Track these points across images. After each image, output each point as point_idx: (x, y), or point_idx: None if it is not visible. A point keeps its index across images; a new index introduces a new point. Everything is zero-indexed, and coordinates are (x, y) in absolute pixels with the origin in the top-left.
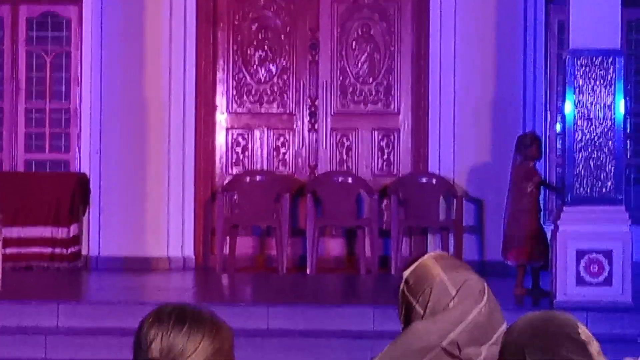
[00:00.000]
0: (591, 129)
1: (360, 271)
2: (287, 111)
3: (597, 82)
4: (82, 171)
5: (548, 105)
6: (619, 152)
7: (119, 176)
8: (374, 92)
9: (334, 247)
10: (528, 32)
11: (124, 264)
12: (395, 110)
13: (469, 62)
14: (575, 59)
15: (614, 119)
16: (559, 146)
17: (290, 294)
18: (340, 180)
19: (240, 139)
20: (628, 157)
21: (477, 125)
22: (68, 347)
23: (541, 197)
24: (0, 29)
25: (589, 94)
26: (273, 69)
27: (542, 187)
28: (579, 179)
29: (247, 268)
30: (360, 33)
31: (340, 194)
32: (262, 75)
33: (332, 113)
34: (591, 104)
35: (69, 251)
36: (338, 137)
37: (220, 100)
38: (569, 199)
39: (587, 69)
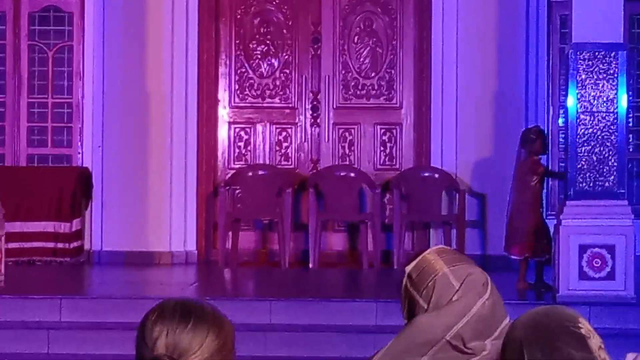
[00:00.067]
0: (594, 123)
1: (362, 266)
2: (290, 105)
3: (600, 76)
4: (84, 165)
5: (550, 100)
6: (621, 147)
7: (121, 170)
8: (376, 87)
9: (337, 241)
10: (530, 26)
11: (127, 259)
12: (398, 104)
13: (471, 56)
14: (578, 53)
15: (617, 113)
16: (561, 140)
17: (292, 288)
18: (342, 174)
19: (242, 133)
20: (630, 151)
21: (479, 119)
22: (71, 341)
23: (543, 192)
24: (2, 23)
25: (592, 88)
26: (275, 63)
27: (544, 182)
28: (581, 174)
29: (249, 262)
30: (362, 27)
31: (342, 188)
32: (264, 69)
33: (335, 107)
34: (594, 98)
35: (72, 246)
36: (340, 132)
37: (223, 95)
38: (572, 194)
39: (590, 63)
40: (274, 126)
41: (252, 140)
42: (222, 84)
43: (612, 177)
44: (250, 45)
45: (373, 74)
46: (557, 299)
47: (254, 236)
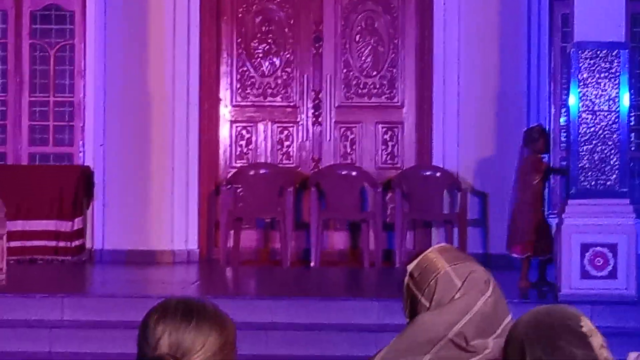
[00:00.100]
0: (596, 122)
1: (364, 264)
2: (291, 104)
3: (602, 75)
4: (85, 164)
5: (552, 98)
6: (623, 145)
7: (122, 169)
8: (377, 85)
9: (338, 240)
10: (532, 25)
11: (128, 257)
12: (399, 103)
13: (472, 55)
14: (580, 52)
15: (619, 111)
16: (563, 139)
17: (294, 287)
18: (344, 173)
19: (244, 131)
20: (632, 149)
21: (481, 118)
22: (72, 340)
23: (545, 191)
24: (4, 22)
25: (594, 86)
26: (277, 61)
27: (546, 181)
28: (583, 172)
29: (251, 261)
30: (364, 26)
31: (344, 187)
32: (266, 68)
33: (336, 106)
34: (596, 96)
35: (73, 244)
36: (342, 130)
37: (224, 93)
38: (574, 192)
39: (592, 62)
40: (276, 125)
41: (253, 139)
42: (224, 82)
43: (614, 175)
44: (252, 44)
45: (375, 73)
46: (559, 298)
47: (256, 235)
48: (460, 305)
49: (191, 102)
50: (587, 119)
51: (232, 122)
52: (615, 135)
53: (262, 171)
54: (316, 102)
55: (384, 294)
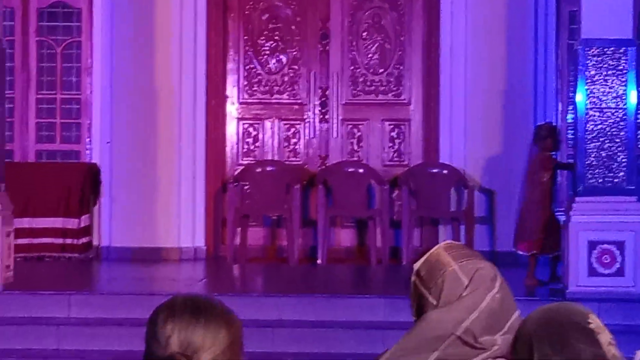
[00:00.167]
0: (603, 119)
1: (371, 262)
2: (298, 101)
3: (609, 72)
4: (92, 161)
5: (559, 96)
6: (631, 143)
7: (129, 166)
8: (384, 83)
9: (345, 237)
10: (539, 22)
11: (135, 255)
12: (406, 100)
13: (480, 52)
14: (587, 49)
15: (626, 109)
16: (570, 136)
17: (300, 284)
18: (351, 170)
19: (251, 129)
20: None
21: (488, 115)
22: (79, 337)
23: (554, 189)
24: (11, 20)
25: (601, 84)
26: (284, 59)
27: (555, 178)
28: (590, 170)
29: (258, 258)
30: (371, 23)
31: (351, 184)
32: (273, 65)
33: (343, 103)
34: (603, 94)
35: (80, 242)
36: (349, 128)
37: (231, 91)
38: (581, 190)
39: (599, 59)
40: (283, 122)
41: (260, 136)
42: (231, 80)
43: (622, 173)
44: (259, 41)
45: (381, 70)
46: (566, 296)
47: (263, 232)
48: (467, 303)
49: (198, 100)
50: (594, 116)
51: (239, 119)
52: (622, 133)
53: (269, 168)
54: (323, 99)
55: (391, 291)
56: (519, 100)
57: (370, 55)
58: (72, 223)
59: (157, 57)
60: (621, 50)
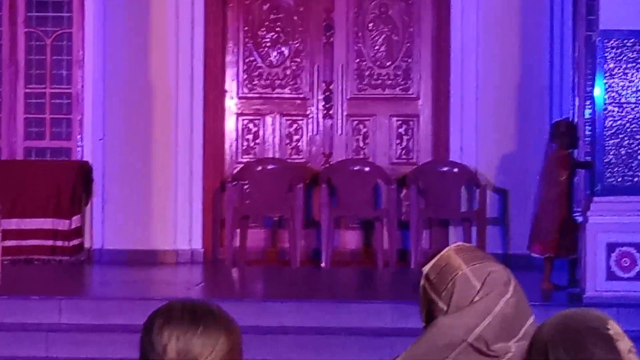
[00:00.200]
0: (622, 114)
1: (377, 265)
2: (301, 96)
3: (629, 65)
4: (84, 159)
5: (576, 90)
6: None
7: (123, 165)
8: (392, 76)
9: (350, 239)
10: (555, 12)
11: (129, 257)
12: (415, 95)
13: (492, 44)
14: (606, 41)
15: None
16: (588, 133)
17: (303, 288)
18: (356, 169)
19: (251, 125)
20: None
21: (501, 111)
22: (70, 344)
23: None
24: None
25: (620, 77)
26: (285, 51)
27: (574, 177)
28: (609, 168)
29: (258, 261)
30: (377, 13)
31: (356, 183)
32: (274, 58)
33: (348, 98)
34: (622, 88)
35: (71, 244)
36: (354, 124)
37: (230, 85)
38: (599, 189)
39: (618, 51)
40: (284, 118)
41: (261, 132)
42: (230, 73)
43: None
44: (260, 33)
45: (389, 63)
46: (583, 301)
47: (263, 234)
48: (479, 308)
49: (195, 94)
50: (613, 111)
51: (238, 115)
52: None
53: (270, 167)
54: (327, 93)
55: (398, 296)
56: (533, 94)
57: (376, 48)
58: (62, 224)
59: (152, 50)
60: None
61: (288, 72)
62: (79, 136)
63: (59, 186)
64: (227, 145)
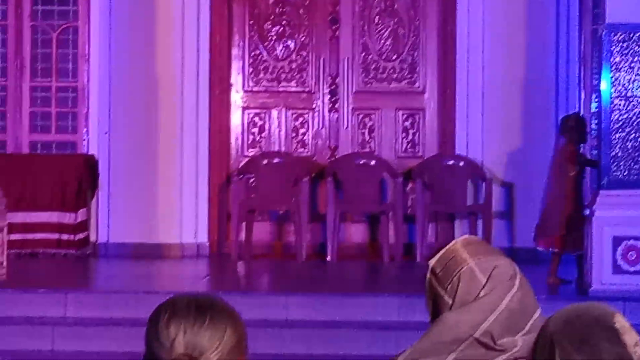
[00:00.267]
0: (629, 108)
1: (383, 259)
2: (306, 90)
3: (635, 59)
4: (90, 153)
5: (582, 84)
6: None
7: (129, 158)
8: (397, 70)
9: (356, 233)
10: (561, 6)
11: (135, 251)
12: (421, 88)
13: (498, 37)
14: (612, 34)
15: None
16: (594, 127)
17: (309, 282)
18: (362, 162)
19: (256, 119)
20: None
21: (507, 105)
22: (76, 338)
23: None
24: (3, 3)
25: (627, 71)
26: (291, 45)
27: (584, 172)
28: (615, 161)
29: (264, 255)
30: (383, 7)
31: (362, 177)
32: (280, 51)
33: (354, 92)
34: (629, 81)
35: (77, 237)
36: (360, 117)
37: (236, 78)
38: (605, 183)
39: (625, 45)
40: (290, 111)
41: (266, 126)
42: (236, 67)
43: None
44: (265, 26)
45: (395, 57)
46: (590, 294)
47: (269, 227)
48: (485, 303)
49: (201, 88)
50: (619, 105)
51: (244, 108)
52: None
53: (275, 160)
54: (333, 87)
55: (404, 289)
56: (540, 88)
57: (382, 41)
58: (68, 218)
59: (158, 43)
60: None
61: (294, 65)
62: (85, 130)
63: (64, 180)
64: (232, 139)
